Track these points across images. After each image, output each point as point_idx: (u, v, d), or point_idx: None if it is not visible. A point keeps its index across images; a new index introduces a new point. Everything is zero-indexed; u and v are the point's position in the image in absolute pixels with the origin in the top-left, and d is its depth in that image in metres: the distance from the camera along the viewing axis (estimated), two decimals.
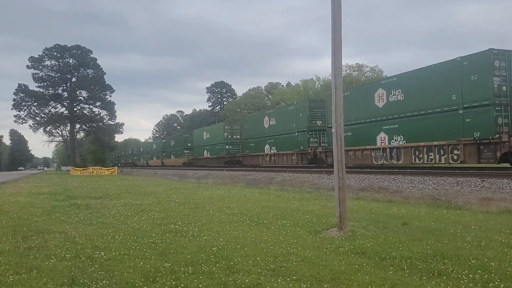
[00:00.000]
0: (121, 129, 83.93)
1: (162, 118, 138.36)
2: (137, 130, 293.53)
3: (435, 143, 17.90)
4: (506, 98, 15.70)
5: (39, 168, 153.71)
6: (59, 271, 5.26)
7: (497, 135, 15.36)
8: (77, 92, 76.65)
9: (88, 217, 10.26)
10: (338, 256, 5.87)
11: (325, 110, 25.73)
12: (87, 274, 5.11)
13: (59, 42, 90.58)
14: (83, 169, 57.68)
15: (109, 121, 79.95)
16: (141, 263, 5.57)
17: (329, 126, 24.17)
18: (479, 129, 16.12)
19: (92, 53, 76.52)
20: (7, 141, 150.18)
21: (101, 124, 78.64)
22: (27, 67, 72.73)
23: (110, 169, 57.93)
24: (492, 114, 15.66)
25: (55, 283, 4.79)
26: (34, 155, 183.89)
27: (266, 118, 34.32)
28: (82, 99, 77.91)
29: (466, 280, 4.59)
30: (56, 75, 75.08)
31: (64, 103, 76.97)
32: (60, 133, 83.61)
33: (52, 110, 77.18)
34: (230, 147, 41.77)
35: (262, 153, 34.35)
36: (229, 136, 42.24)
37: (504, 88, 15.73)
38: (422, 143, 18.61)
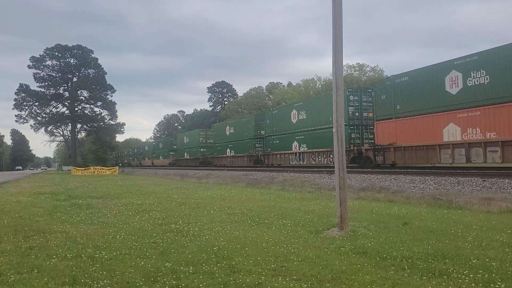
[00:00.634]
0: (122, 129, 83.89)
1: (163, 118, 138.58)
2: (137, 130, 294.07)
3: (321, 150, 27.19)
4: (356, 120, 25.33)
5: (42, 167, 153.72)
6: (60, 270, 5.27)
7: (349, 145, 24.26)
8: (78, 92, 76.59)
9: (89, 216, 10.27)
10: (339, 255, 5.87)
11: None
12: (88, 273, 5.12)
13: (59, 41, 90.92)
14: (84, 169, 57.75)
15: (110, 121, 79.89)
16: (142, 262, 5.58)
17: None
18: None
19: (93, 53, 76.62)
20: (8, 141, 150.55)
21: (102, 124, 78.58)
22: (28, 67, 72.78)
23: (111, 169, 57.98)
24: (348, 131, 24.60)
25: (56, 283, 4.80)
26: (35, 155, 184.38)
27: (228, 127, 43.45)
28: (83, 99, 77.86)
29: (467, 280, 4.59)
30: (57, 75, 75.07)
31: (65, 103, 76.96)
32: (61, 133, 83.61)
33: (53, 110, 77.19)
34: (204, 150, 49.52)
35: (224, 156, 43.39)
36: (204, 141, 50.30)
37: (357, 114, 25.39)
38: (315, 150, 27.98)
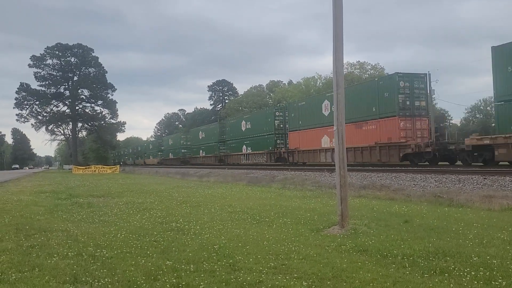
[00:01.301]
0: (123, 128, 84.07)
1: (164, 117, 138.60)
2: (138, 129, 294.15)
3: (261, 151, 35.93)
4: (281, 130, 34.23)
5: (45, 166, 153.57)
6: (61, 269, 5.28)
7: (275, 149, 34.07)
8: (79, 91, 76.61)
9: (90, 215, 10.28)
10: (339, 254, 5.87)
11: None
12: (89, 272, 5.13)
13: (60, 40, 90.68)
14: (85, 168, 57.82)
15: (111, 120, 79.95)
16: (143, 261, 5.59)
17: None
18: (270, 145, 34.99)
19: (93, 52, 76.61)
20: (9, 140, 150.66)
21: (103, 122, 78.60)
22: (29, 65, 72.82)
23: (112, 167, 58.04)
24: (274, 138, 34.10)
25: (57, 281, 4.81)
26: (36, 153, 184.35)
27: (200, 132, 52.35)
28: (84, 97, 77.89)
29: (468, 278, 4.59)
30: (58, 74, 75.08)
31: (66, 102, 77.00)
32: (62, 131, 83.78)
33: (54, 108, 77.26)
34: (185, 151, 56.55)
35: (195, 156, 52.18)
36: (184, 143, 57.63)
37: (281, 126, 34.57)
38: (256, 151, 36.86)
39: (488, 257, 5.37)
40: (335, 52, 7.95)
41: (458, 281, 4.52)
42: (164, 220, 9.26)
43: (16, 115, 74.24)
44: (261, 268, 5.18)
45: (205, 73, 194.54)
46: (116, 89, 78.69)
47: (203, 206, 11.74)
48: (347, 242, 6.50)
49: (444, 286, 4.39)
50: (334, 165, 26.65)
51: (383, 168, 20.38)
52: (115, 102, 79.20)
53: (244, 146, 38.92)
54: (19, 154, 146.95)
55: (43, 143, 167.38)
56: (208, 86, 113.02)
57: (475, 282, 4.46)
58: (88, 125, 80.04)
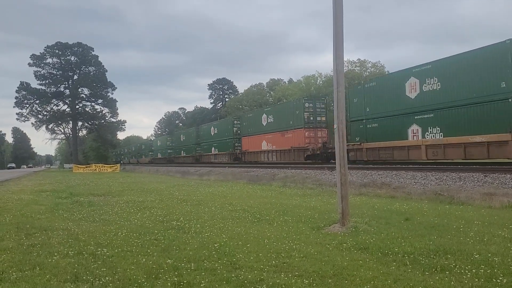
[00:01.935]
0: (123, 127, 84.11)
1: (164, 115, 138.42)
2: (138, 128, 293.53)
3: (224, 152, 43.36)
4: (238, 135, 39.02)
5: (46, 165, 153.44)
6: (62, 268, 5.28)
7: (234, 150, 41.17)
8: (79, 90, 76.61)
9: (91, 214, 10.29)
10: (340, 252, 5.87)
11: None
12: (90, 270, 5.13)
13: (59, 39, 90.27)
14: (86, 167, 57.88)
15: (111, 119, 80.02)
16: (144, 259, 5.59)
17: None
18: (230, 147, 43.00)
19: (93, 51, 76.56)
20: (9, 139, 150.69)
21: (103, 121, 78.66)
22: (29, 64, 72.83)
23: (112, 166, 58.09)
24: (233, 141, 42.21)
25: (58, 280, 4.81)
26: (36, 152, 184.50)
27: (181, 135, 59.54)
28: (84, 96, 77.90)
29: (469, 275, 4.58)
30: (58, 73, 75.07)
31: (66, 101, 77.02)
32: (62, 130, 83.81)
33: (54, 107, 77.27)
34: (171, 151, 62.90)
35: (177, 156, 58.58)
36: (170, 144, 64.28)
37: (239, 132, 36.79)
38: (221, 152, 44.16)
39: (489, 255, 5.37)
40: (335, 50, 7.93)
41: (459, 278, 4.52)
42: (165, 218, 9.26)
43: (17, 114, 74.31)
44: (262, 266, 5.18)
45: (205, 71, 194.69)
46: (116, 87, 78.92)
47: (203, 205, 11.74)
48: (348, 240, 6.50)
49: (445, 283, 4.38)
50: (270, 163, 31.11)
51: (383, 166, 20.39)
52: (115, 101, 79.31)
53: (213, 148, 46.11)
54: (19, 153, 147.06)
55: (44, 142, 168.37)
56: (208, 84, 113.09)
57: (476, 280, 4.45)
58: (88, 124, 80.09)
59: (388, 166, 20.22)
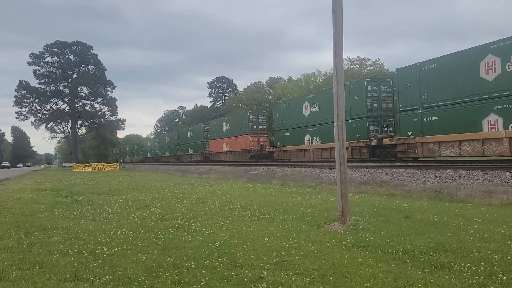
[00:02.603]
0: (122, 125, 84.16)
1: (164, 114, 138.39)
2: (138, 126, 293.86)
3: (197, 152, 52.49)
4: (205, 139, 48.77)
5: (45, 164, 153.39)
6: (62, 266, 5.28)
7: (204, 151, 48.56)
8: (78, 88, 76.61)
9: (91, 212, 10.28)
10: (340, 249, 5.87)
11: None
12: (90, 269, 5.13)
13: (58, 38, 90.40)
14: (85, 165, 57.85)
15: (111, 117, 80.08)
16: (144, 258, 5.58)
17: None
18: (201, 148, 51.55)
19: (92, 49, 76.49)
20: (9, 137, 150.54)
21: (102, 120, 78.69)
22: (28, 63, 72.82)
23: (112, 165, 58.06)
24: (203, 144, 49.99)
25: (58, 279, 4.81)
26: (36, 151, 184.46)
27: (166, 137, 68.11)
28: (83, 95, 77.93)
29: (469, 273, 4.58)
30: (57, 72, 75.05)
31: (66, 100, 77.01)
32: (62, 129, 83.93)
33: (53, 106, 77.31)
34: (158, 151, 69.42)
35: (163, 155, 66.05)
36: (157, 145, 70.97)
37: (209, 135, 48.53)
38: (195, 152, 52.98)
39: (488, 252, 5.37)
40: (335, 48, 7.91)
41: (459, 276, 4.52)
42: (165, 217, 9.26)
43: (16, 113, 74.47)
44: (262, 264, 5.18)
45: (204, 69, 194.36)
46: (115, 86, 78.93)
47: (203, 203, 11.74)
48: (348, 238, 6.50)
49: (445, 281, 4.38)
50: (228, 161, 36.29)
51: (382, 164, 20.41)
52: (115, 99, 79.41)
53: (189, 149, 54.77)
54: (19, 152, 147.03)
55: (43, 141, 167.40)
56: (207, 83, 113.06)
57: (476, 277, 4.46)
58: (87, 122, 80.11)
59: (388, 164, 20.24)
